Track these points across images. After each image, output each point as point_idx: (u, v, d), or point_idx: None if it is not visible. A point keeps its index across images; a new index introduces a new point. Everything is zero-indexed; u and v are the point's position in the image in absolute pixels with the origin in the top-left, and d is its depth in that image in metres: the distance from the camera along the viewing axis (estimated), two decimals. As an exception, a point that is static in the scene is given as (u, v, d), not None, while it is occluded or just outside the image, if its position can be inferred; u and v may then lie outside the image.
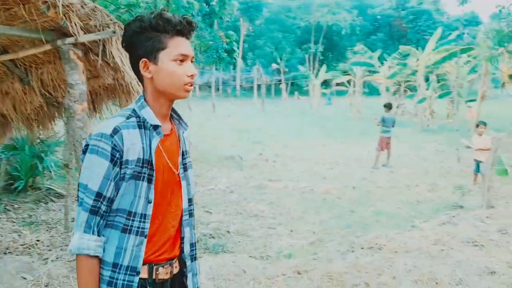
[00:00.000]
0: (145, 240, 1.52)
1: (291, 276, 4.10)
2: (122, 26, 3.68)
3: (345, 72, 26.52)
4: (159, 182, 1.54)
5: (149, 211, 1.51)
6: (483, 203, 6.17)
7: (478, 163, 8.55)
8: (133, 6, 6.31)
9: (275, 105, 31.94)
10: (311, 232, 5.92)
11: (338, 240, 5.43)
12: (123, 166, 1.46)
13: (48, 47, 3.47)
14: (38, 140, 7.42)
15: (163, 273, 1.59)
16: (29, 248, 4.81)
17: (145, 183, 1.50)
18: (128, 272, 1.48)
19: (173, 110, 1.65)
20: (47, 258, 4.50)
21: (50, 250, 4.82)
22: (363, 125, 20.08)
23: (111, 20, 3.51)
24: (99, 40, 3.52)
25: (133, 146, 1.47)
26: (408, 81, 23.66)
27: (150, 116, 1.52)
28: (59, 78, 3.94)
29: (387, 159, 10.86)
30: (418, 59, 19.91)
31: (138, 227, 1.50)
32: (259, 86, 32.32)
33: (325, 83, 32.60)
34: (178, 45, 1.50)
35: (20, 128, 4.65)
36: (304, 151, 13.18)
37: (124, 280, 1.48)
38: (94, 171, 1.44)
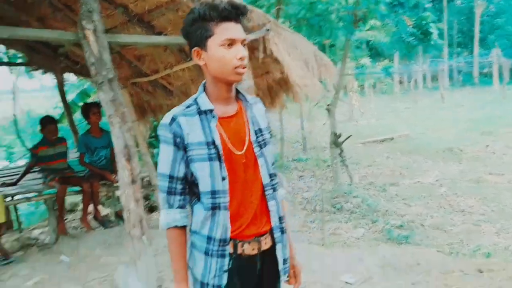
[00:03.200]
0: (229, 212, 1.63)
1: (469, 273, 3.65)
2: (279, 24, 3.97)
3: None
4: (228, 161, 1.63)
5: (226, 187, 1.61)
6: None
7: None
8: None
9: (523, 91, 27.43)
10: (523, 232, 5.05)
11: (554, 242, 4.50)
12: (187, 149, 1.58)
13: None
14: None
15: (249, 249, 1.67)
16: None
17: (216, 163, 1.58)
18: (221, 244, 1.62)
19: (238, 91, 1.70)
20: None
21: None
22: None
23: (267, 19, 3.81)
24: (259, 38, 3.88)
25: (194, 130, 1.57)
26: None
27: (203, 101, 1.61)
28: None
29: None
30: None
31: (223, 203, 1.62)
32: (501, 72, 28.34)
33: None
34: (225, 30, 1.53)
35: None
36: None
37: (217, 251, 1.63)
38: (163, 158, 1.59)
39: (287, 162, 10.34)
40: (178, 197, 1.61)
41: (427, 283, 3.56)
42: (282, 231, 1.76)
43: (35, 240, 5.60)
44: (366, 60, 13.72)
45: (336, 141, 7.23)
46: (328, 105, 7.59)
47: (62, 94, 7.67)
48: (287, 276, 1.86)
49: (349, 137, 7.52)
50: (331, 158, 7.68)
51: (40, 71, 7.57)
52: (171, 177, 1.59)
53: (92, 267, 4.16)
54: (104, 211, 6.47)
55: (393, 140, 12.46)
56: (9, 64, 7.26)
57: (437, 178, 8.13)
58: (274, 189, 1.74)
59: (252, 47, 4.01)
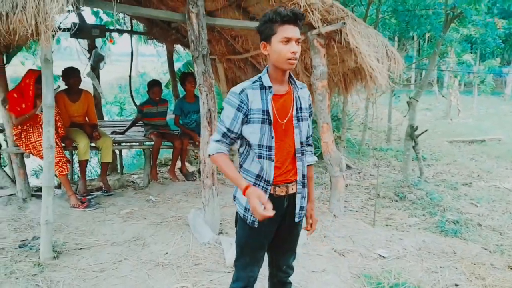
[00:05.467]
0: (273, 163, 2.25)
1: (499, 268, 3.92)
2: (356, 18, 4.40)
3: None
4: (274, 126, 2.23)
5: (273, 143, 2.23)
6: None
7: None
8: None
9: None
10: None
11: None
12: (249, 113, 2.16)
13: (303, 37, 4.55)
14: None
15: (279, 191, 2.31)
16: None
17: (267, 126, 2.21)
18: (265, 182, 2.26)
19: (291, 77, 2.30)
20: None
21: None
22: None
23: (345, 13, 4.28)
24: (337, 30, 4.36)
25: (255, 100, 2.16)
26: None
27: (265, 80, 2.19)
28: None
29: None
30: None
31: (268, 155, 2.24)
32: None
33: None
34: (284, 31, 2.07)
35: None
36: None
37: (262, 187, 2.26)
38: (227, 114, 2.18)
39: (366, 149, 10.63)
40: (226, 141, 2.25)
41: (455, 269, 3.91)
42: (303, 185, 2.38)
43: (132, 182, 6.72)
44: (468, 57, 13.16)
45: (411, 134, 7.44)
46: (410, 98, 7.79)
47: (170, 63, 8.77)
48: (303, 223, 2.50)
49: (425, 131, 7.68)
50: (404, 149, 7.91)
51: (155, 41, 8.72)
52: (228, 129, 2.21)
53: (172, 208, 5.07)
54: (191, 168, 7.44)
55: (484, 142, 12.06)
56: (131, 32, 8.48)
57: (516, 185, 7.97)
58: (303, 154, 2.34)
59: (329, 37, 4.51)
